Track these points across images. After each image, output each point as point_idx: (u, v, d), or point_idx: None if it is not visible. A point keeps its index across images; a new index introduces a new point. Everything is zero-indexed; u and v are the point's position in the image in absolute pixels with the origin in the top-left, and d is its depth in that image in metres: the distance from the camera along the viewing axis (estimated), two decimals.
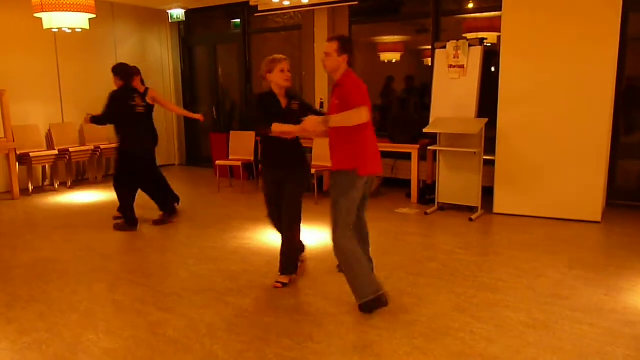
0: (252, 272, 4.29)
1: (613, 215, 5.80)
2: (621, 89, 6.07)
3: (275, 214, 4.08)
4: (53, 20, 5.83)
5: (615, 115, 5.87)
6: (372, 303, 3.45)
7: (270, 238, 5.23)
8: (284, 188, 3.91)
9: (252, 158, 7.67)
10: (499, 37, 6.09)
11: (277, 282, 3.98)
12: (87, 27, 6.03)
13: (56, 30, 6.01)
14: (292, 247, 4.02)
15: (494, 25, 6.52)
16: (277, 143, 3.84)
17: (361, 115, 3.30)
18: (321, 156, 6.85)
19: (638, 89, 6.24)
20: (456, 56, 6.20)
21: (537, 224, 5.58)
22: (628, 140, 6.29)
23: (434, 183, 6.48)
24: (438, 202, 6.25)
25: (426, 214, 6.09)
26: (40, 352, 3.05)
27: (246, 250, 4.88)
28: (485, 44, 6.22)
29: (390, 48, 8.10)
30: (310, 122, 3.35)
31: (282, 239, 4.01)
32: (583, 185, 5.54)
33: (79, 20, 5.92)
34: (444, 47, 6.33)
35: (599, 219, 5.56)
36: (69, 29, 5.98)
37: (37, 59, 7.97)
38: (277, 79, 3.80)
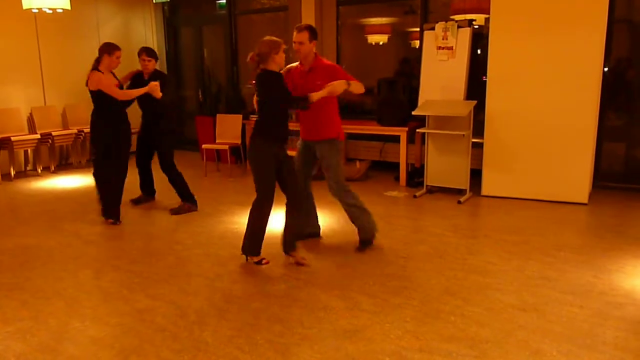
0: (241, 257, 4.23)
1: (599, 197, 5.84)
2: (608, 71, 6.06)
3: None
4: (33, 0, 5.66)
5: (602, 97, 5.87)
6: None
7: None
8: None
9: (239, 141, 7.58)
10: (486, 19, 6.04)
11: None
12: (69, 7, 5.88)
13: (36, 10, 5.84)
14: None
15: (481, 7, 6.44)
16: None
17: (362, 85, 4.11)
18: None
19: (624, 71, 6.24)
20: (445, 38, 6.14)
21: (525, 206, 5.59)
22: (614, 122, 6.31)
23: (422, 166, 6.46)
24: (426, 185, 6.24)
25: (415, 196, 6.08)
26: (24, 341, 2.99)
27: (234, 234, 4.83)
28: (473, 25, 6.17)
29: (378, 30, 8.00)
30: (339, 84, 3.92)
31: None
32: (570, 168, 5.55)
33: (60, 0, 5.76)
34: (433, 28, 6.26)
35: (585, 200, 5.59)
36: (49, 9, 5.82)
37: (17, 40, 7.75)
38: (281, 60, 3.96)
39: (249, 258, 4.13)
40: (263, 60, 3.83)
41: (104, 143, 5.11)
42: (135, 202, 5.92)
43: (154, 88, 5.16)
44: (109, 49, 5.01)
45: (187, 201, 5.66)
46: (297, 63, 4.35)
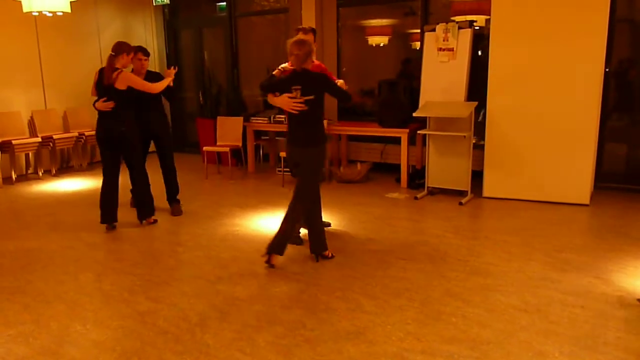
0: (242, 259, 4.25)
1: (601, 198, 5.83)
2: (609, 72, 6.06)
3: None
4: (33, 3, 5.66)
5: (603, 98, 5.87)
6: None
7: (258, 225, 5.19)
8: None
9: (240, 144, 7.57)
10: (487, 20, 6.04)
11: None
12: (69, 10, 5.87)
13: (36, 13, 5.84)
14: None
15: (482, 8, 6.45)
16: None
17: None
18: None
19: (626, 71, 6.24)
20: (445, 39, 6.14)
21: (527, 208, 5.59)
22: (615, 123, 6.30)
23: (423, 167, 6.46)
24: (428, 187, 6.23)
25: (416, 198, 6.08)
26: (26, 344, 2.99)
27: (235, 237, 4.84)
28: (474, 26, 6.16)
29: (378, 31, 8.01)
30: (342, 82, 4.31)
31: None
32: (572, 169, 5.55)
33: (60, 3, 5.76)
34: (433, 30, 6.26)
35: (587, 201, 5.58)
36: (49, 12, 5.82)
37: (17, 43, 7.76)
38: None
39: (272, 258, 4.05)
40: (305, 60, 3.89)
41: (138, 141, 5.11)
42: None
43: (172, 74, 5.21)
44: (128, 48, 4.96)
45: (175, 201, 5.69)
46: (287, 64, 4.34)
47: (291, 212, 4.03)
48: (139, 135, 5.17)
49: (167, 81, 5.17)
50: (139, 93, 5.02)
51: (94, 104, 4.98)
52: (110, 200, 5.07)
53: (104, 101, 4.87)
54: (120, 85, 4.82)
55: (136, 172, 5.13)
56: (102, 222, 5.08)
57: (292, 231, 4.09)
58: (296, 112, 3.89)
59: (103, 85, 4.88)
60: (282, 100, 3.94)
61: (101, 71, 4.94)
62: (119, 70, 4.83)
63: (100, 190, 5.08)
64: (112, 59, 4.86)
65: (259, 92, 8.99)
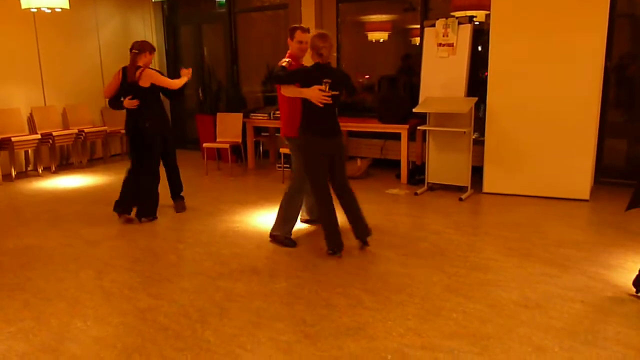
0: (243, 255, 4.25)
1: (601, 194, 5.83)
2: (610, 67, 6.05)
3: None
4: None
5: (604, 93, 5.86)
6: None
7: (259, 221, 5.19)
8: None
9: (239, 140, 7.57)
10: (487, 16, 6.02)
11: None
12: (67, 6, 5.87)
13: (35, 10, 5.84)
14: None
15: (482, 4, 6.43)
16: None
17: None
18: None
19: (626, 66, 6.23)
20: (445, 34, 6.12)
21: (527, 203, 5.59)
22: (615, 118, 6.29)
23: (423, 163, 6.46)
24: (428, 183, 6.23)
25: (416, 194, 6.08)
26: (27, 341, 2.99)
27: (235, 233, 4.84)
28: (474, 22, 6.15)
29: (378, 27, 8.00)
30: None
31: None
32: (572, 164, 5.54)
33: (58, 0, 5.75)
34: (433, 25, 6.25)
35: (587, 197, 5.58)
36: (48, 8, 5.81)
37: (16, 40, 7.74)
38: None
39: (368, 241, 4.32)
40: (330, 52, 3.95)
41: (159, 140, 5.17)
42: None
43: (190, 74, 5.23)
44: (150, 46, 5.05)
45: (179, 198, 5.68)
46: (287, 61, 4.30)
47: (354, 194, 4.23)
48: (160, 133, 5.19)
49: (185, 79, 5.20)
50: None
51: (120, 102, 5.05)
52: (128, 192, 5.17)
53: (130, 99, 4.98)
54: (145, 82, 4.93)
55: (147, 169, 5.15)
56: (114, 209, 5.20)
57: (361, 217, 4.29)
58: (321, 105, 3.93)
59: (127, 83, 4.97)
60: (312, 92, 3.92)
61: (124, 69, 5.03)
62: (142, 68, 4.94)
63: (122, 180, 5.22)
64: (135, 56, 4.96)
65: (260, 88, 8.98)
